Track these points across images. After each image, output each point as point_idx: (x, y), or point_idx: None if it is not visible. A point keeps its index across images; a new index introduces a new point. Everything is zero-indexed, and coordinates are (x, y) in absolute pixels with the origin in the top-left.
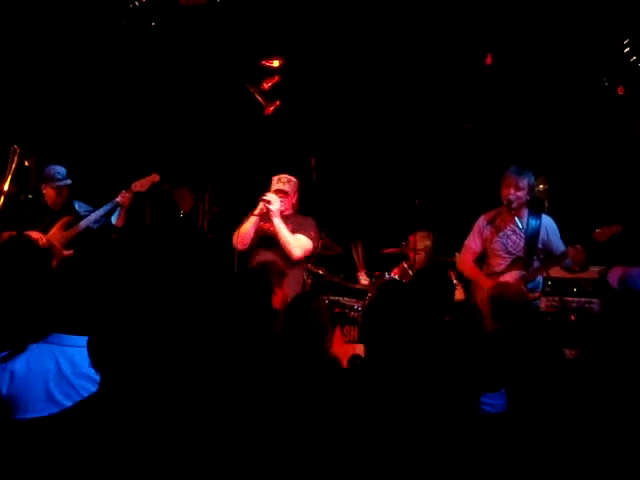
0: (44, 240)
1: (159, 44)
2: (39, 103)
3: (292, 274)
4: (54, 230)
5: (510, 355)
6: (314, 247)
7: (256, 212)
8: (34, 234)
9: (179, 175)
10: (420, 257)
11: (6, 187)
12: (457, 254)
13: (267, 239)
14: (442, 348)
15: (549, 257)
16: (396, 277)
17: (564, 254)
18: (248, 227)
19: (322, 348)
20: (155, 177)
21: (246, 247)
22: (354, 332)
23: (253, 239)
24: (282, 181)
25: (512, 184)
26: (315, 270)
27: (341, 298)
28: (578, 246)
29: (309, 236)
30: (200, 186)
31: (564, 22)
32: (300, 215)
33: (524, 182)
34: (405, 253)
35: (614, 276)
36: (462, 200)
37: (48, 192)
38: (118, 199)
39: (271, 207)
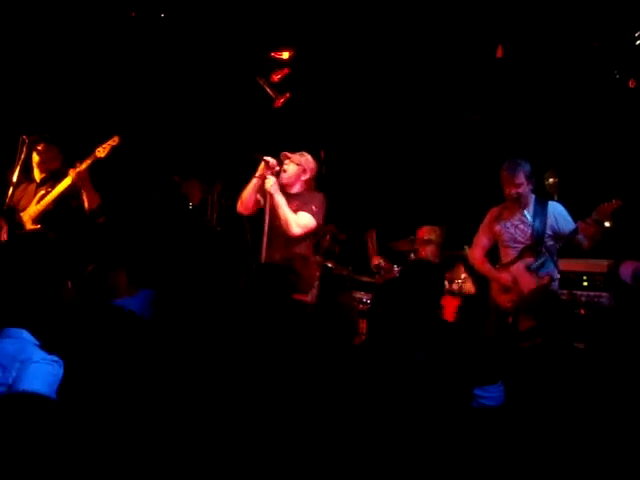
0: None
1: (168, 36)
2: (50, 94)
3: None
4: (32, 203)
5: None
6: (316, 223)
7: (257, 174)
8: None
9: (188, 167)
10: (427, 250)
11: (15, 178)
12: (466, 247)
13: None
14: (435, 342)
15: (560, 239)
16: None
17: (575, 231)
18: (249, 190)
19: (350, 342)
20: (115, 139)
21: (250, 212)
22: (363, 324)
23: (266, 214)
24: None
25: (510, 182)
26: (324, 262)
27: (357, 292)
28: (588, 220)
29: (310, 211)
30: (209, 178)
31: (575, 14)
32: (311, 192)
33: (520, 177)
34: (415, 248)
35: (627, 271)
36: (472, 192)
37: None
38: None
39: (267, 184)
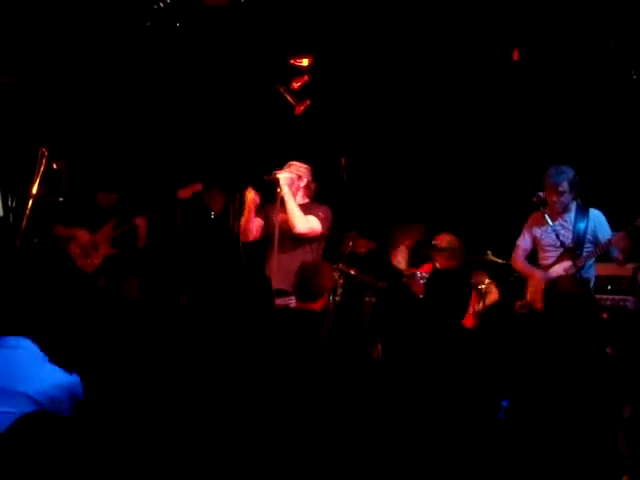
0: (87, 237)
1: (185, 45)
2: (67, 106)
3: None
4: (104, 229)
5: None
6: (322, 229)
7: (245, 206)
8: (80, 231)
9: (210, 176)
10: (442, 258)
11: (34, 190)
12: (489, 252)
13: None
14: (460, 352)
15: (599, 247)
16: (425, 274)
17: (609, 241)
18: (245, 219)
19: (370, 352)
20: (198, 186)
21: (254, 236)
22: None
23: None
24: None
25: (553, 191)
26: (347, 270)
27: (373, 298)
28: (621, 232)
29: (317, 216)
30: (231, 187)
31: (591, 15)
32: (316, 202)
33: (564, 186)
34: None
35: None
36: (494, 198)
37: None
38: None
39: (279, 176)
